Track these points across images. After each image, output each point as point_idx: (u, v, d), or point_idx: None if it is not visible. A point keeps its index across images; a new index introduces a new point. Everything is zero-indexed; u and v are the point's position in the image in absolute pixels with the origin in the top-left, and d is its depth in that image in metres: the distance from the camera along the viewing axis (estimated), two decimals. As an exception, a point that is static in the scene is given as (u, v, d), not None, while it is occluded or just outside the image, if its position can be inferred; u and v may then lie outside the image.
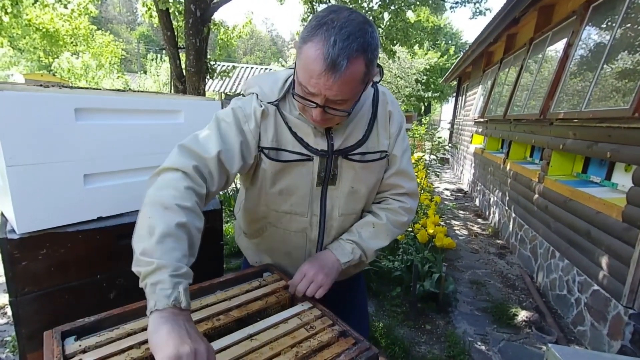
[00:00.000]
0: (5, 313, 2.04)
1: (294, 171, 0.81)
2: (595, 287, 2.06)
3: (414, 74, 14.04)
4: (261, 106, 0.78)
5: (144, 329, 0.67)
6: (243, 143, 0.76)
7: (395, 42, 5.39)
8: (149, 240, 0.55)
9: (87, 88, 0.86)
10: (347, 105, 0.70)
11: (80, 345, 0.61)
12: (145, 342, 0.63)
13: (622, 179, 2.30)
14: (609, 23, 2.47)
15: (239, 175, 0.84)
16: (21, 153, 0.75)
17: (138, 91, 1.04)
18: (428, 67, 15.17)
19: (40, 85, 0.81)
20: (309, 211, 0.85)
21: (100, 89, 0.89)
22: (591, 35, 2.74)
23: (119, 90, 0.95)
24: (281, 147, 0.80)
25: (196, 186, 0.67)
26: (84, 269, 0.88)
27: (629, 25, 2.24)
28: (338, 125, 0.80)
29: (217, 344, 0.63)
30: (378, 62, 0.73)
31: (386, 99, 0.87)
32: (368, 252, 0.87)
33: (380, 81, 0.90)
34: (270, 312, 0.78)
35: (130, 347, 0.62)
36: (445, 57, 18.00)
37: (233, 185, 4.57)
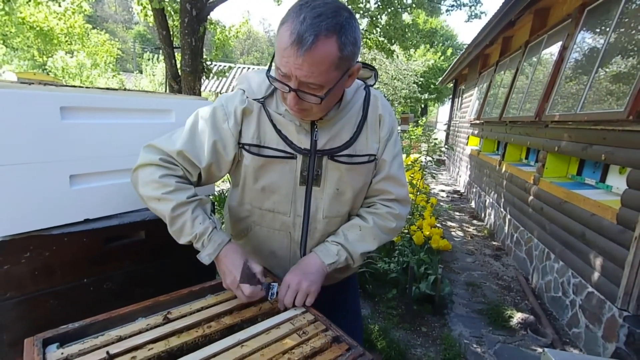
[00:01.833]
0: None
1: (277, 168, 0.81)
2: (590, 289, 2.06)
3: (411, 75, 14.10)
4: (244, 103, 0.78)
5: (131, 335, 0.65)
6: (218, 141, 0.78)
7: (393, 41, 5.40)
8: (170, 226, 0.75)
9: (73, 86, 0.83)
10: (322, 92, 0.68)
11: (62, 353, 0.59)
12: (132, 349, 0.61)
13: (617, 181, 2.31)
14: (604, 27, 2.49)
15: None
16: (4, 152, 0.72)
17: (128, 90, 1.02)
18: (425, 69, 15.23)
19: (24, 83, 0.78)
20: (292, 211, 0.84)
21: (88, 87, 0.86)
22: (586, 38, 2.76)
23: (107, 88, 0.92)
24: (263, 143, 0.80)
25: (170, 171, 0.76)
26: (70, 272, 0.85)
27: (623, 29, 2.26)
28: (321, 121, 0.79)
29: (205, 351, 0.61)
30: (374, 64, 0.72)
31: (377, 102, 0.86)
32: (354, 255, 0.85)
33: (374, 84, 0.88)
34: (263, 317, 0.76)
35: (115, 355, 0.59)
36: (442, 58, 18.10)
37: (229, 185, 4.53)
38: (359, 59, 0.75)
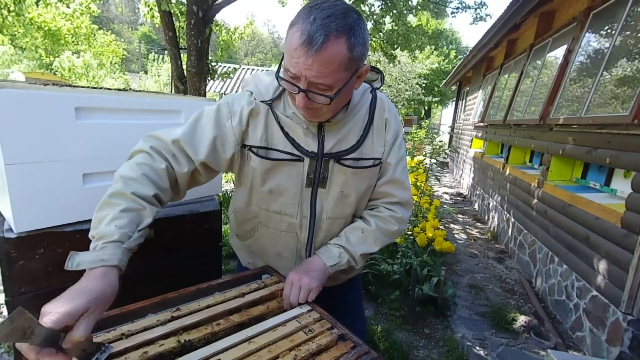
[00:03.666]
0: (2, 313, 2.03)
1: (284, 171, 0.81)
2: (594, 292, 2.05)
3: (415, 78, 14.10)
4: (251, 105, 0.79)
5: (141, 330, 0.66)
6: (218, 138, 0.78)
7: (396, 46, 5.42)
8: (96, 210, 0.65)
9: (87, 87, 0.86)
10: (331, 92, 0.68)
11: (76, 347, 0.60)
12: (143, 345, 0.63)
13: (621, 184, 2.30)
14: (609, 30, 2.49)
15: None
16: (20, 151, 0.75)
17: (139, 91, 1.04)
18: (429, 71, 15.23)
19: (41, 84, 0.81)
20: (299, 212, 0.85)
21: (101, 88, 0.88)
22: (591, 42, 2.76)
23: (119, 89, 0.95)
24: (271, 146, 0.80)
25: (152, 161, 0.73)
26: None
27: (628, 32, 2.25)
28: (329, 124, 0.80)
29: (214, 346, 0.63)
30: (378, 66, 0.73)
31: (384, 105, 0.87)
32: (356, 257, 0.86)
33: (380, 87, 0.90)
34: (271, 315, 0.77)
35: (126, 350, 0.61)
36: (446, 60, 18.08)
37: (233, 186, 4.56)
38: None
